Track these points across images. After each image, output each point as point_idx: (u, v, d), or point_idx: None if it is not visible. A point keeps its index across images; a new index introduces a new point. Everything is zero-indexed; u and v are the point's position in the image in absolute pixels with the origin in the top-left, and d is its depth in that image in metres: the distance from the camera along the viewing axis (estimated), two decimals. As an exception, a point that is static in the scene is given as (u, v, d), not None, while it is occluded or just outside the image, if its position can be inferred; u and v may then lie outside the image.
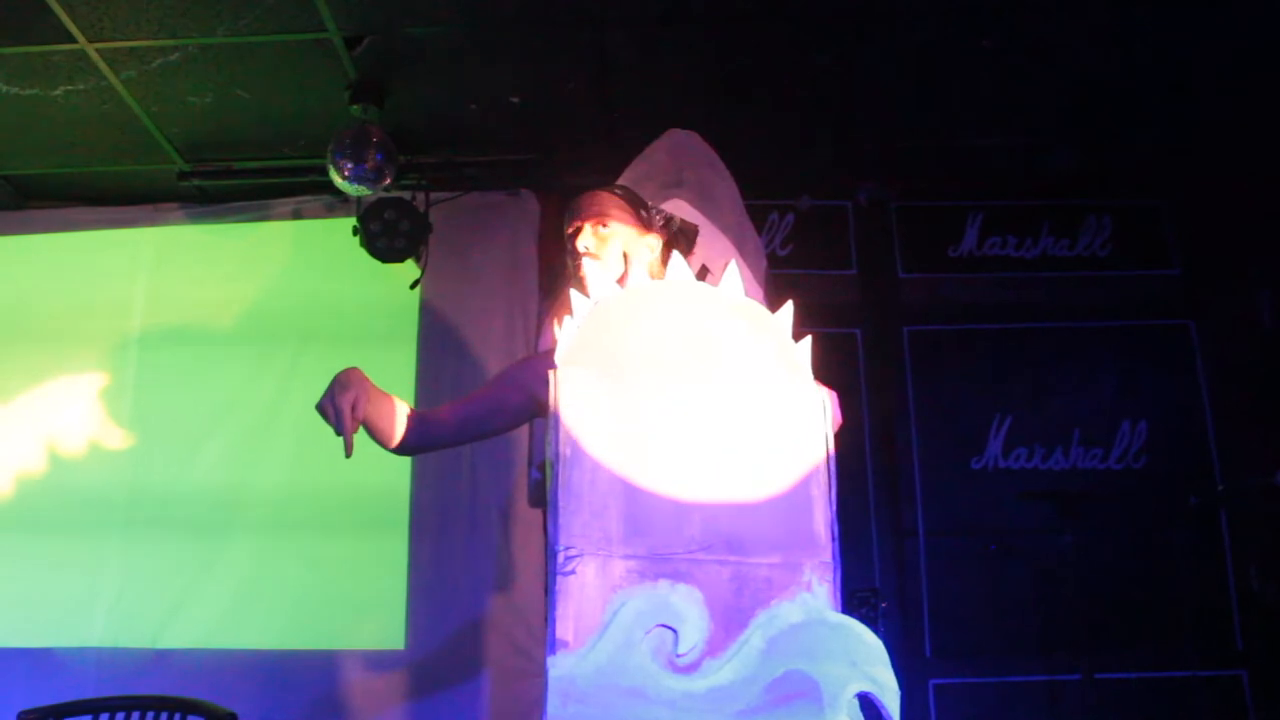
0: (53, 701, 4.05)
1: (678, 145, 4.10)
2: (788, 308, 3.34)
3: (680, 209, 3.80)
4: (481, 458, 5.20)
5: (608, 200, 3.12)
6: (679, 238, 3.25)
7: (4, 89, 4.75)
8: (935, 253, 5.59)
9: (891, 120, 5.09)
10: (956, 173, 5.50)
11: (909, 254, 5.59)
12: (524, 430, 5.10)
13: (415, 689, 4.95)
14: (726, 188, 4.09)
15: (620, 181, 4.17)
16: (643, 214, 3.13)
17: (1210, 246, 5.45)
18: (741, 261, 3.69)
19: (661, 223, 3.17)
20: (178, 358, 5.49)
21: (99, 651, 5.05)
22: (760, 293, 3.65)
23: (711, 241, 3.76)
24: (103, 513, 5.28)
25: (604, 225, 3.05)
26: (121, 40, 4.47)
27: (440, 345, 5.41)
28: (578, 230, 3.09)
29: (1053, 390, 5.35)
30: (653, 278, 3.15)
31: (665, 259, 3.14)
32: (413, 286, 5.29)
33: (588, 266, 3.03)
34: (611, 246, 3.04)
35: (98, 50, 4.51)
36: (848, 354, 5.39)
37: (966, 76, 4.73)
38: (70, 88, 4.76)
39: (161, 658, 5.02)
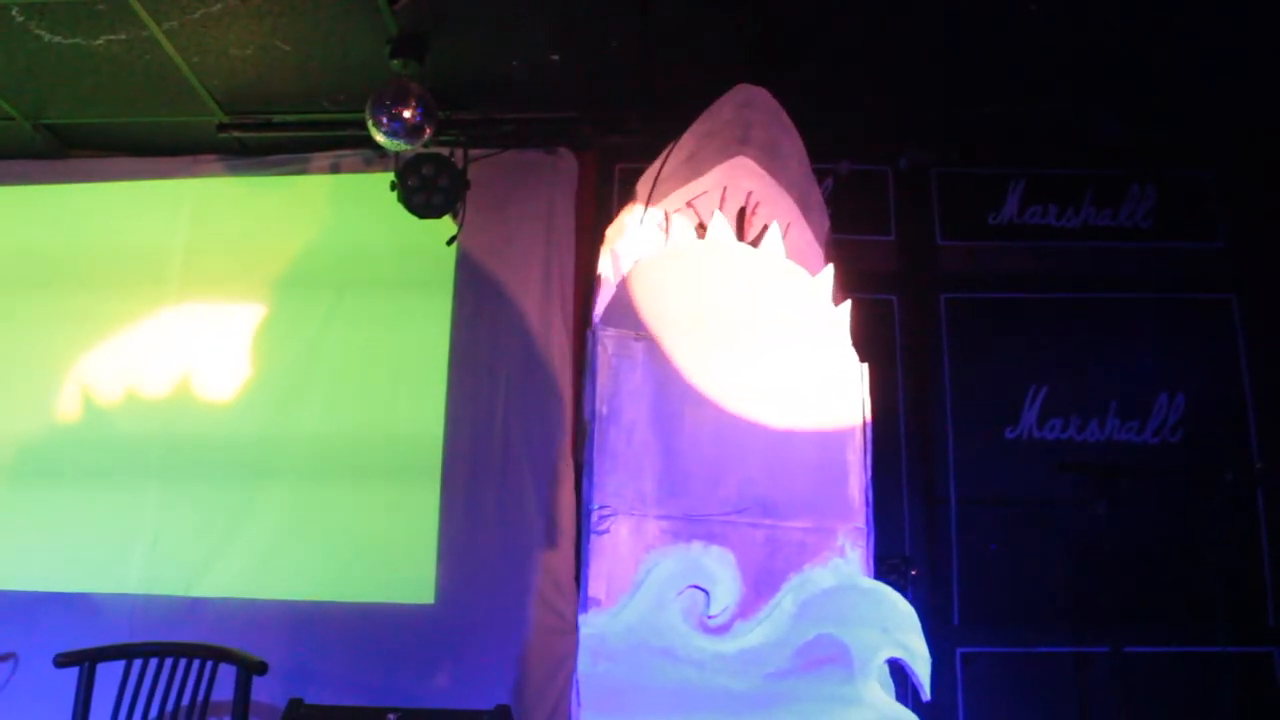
0: (88, 645, 4.12)
1: (746, 101, 4.01)
2: (828, 271, 3.32)
3: (744, 167, 3.75)
4: (513, 412, 5.22)
5: None
6: None
7: (46, 38, 4.75)
8: (975, 220, 5.54)
9: (934, 85, 5.02)
10: (998, 139, 5.43)
11: (948, 221, 5.54)
12: (564, 383, 5.11)
13: (444, 643, 4.98)
14: (794, 145, 4.02)
15: (685, 136, 4.12)
16: None
17: (1256, 220, 5.37)
18: (804, 220, 3.66)
19: None
20: (215, 308, 5.53)
21: (134, 598, 5.11)
22: (820, 252, 3.62)
23: (776, 200, 3.72)
24: (139, 460, 5.33)
25: None
26: (164, -10, 4.47)
27: (476, 301, 5.42)
28: None
29: (1090, 361, 5.29)
30: None
31: None
32: (450, 243, 5.28)
33: None
34: None
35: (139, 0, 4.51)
36: (884, 320, 5.35)
37: (1012, 42, 4.66)
38: (112, 38, 4.76)
39: (195, 606, 5.07)
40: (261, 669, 4.13)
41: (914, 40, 4.68)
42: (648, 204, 3.88)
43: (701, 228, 3.55)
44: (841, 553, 2.88)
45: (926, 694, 2.93)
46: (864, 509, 2.97)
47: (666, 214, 3.69)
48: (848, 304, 3.15)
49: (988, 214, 5.53)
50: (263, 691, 4.27)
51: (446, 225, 5.24)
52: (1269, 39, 4.54)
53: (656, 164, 4.15)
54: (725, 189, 3.72)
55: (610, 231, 4.19)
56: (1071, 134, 5.30)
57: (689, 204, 3.73)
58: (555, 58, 4.89)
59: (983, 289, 5.44)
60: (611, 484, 2.73)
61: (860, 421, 3.03)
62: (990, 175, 5.55)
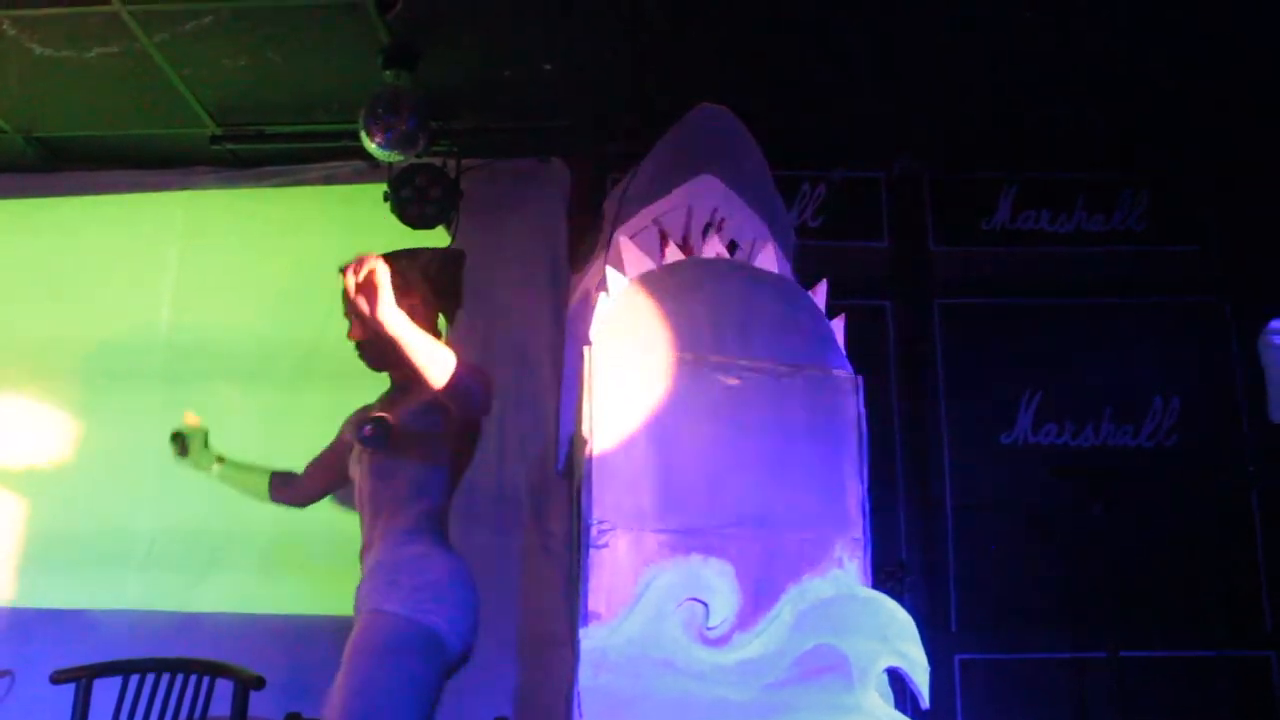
0: (86, 662, 4.11)
1: (706, 121, 4.07)
2: (822, 286, 3.34)
3: (709, 186, 3.79)
4: (509, 423, 5.20)
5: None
6: (439, 279, 3.45)
7: (38, 51, 4.74)
8: (968, 225, 5.54)
9: (927, 91, 5.03)
10: (991, 144, 5.44)
11: (941, 226, 5.54)
12: (553, 395, 5.11)
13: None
14: (756, 163, 4.07)
15: (649, 157, 4.16)
16: (395, 281, 2.79)
17: (1249, 223, 5.36)
18: (771, 237, 3.69)
19: (418, 278, 3.37)
20: (209, 320, 5.53)
21: (131, 614, 5.10)
22: (789, 267, 3.64)
23: (741, 218, 3.75)
24: (134, 475, 5.32)
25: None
26: (154, 3, 4.46)
27: (469, 312, 5.36)
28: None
29: (1084, 366, 5.29)
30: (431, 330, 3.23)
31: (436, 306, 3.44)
32: (443, 253, 5.29)
33: (366, 350, 3.38)
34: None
35: (130, 12, 4.50)
36: (877, 326, 5.36)
37: (1005, 46, 4.67)
38: (103, 50, 4.75)
39: (192, 621, 5.06)
40: (259, 684, 4.11)
41: (907, 47, 4.69)
42: (614, 225, 3.91)
43: (667, 245, 3.56)
44: (839, 563, 2.89)
45: (925, 702, 2.94)
46: (861, 519, 2.97)
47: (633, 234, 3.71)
48: (842, 318, 3.15)
49: (981, 219, 5.54)
50: (260, 706, 4.25)
51: (440, 235, 5.25)
52: (1260, 43, 4.55)
53: (621, 185, 4.19)
54: (691, 207, 3.74)
55: (584, 250, 4.21)
56: (1064, 139, 5.31)
57: (655, 222, 3.75)
58: (547, 67, 4.89)
59: (976, 294, 5.43)
60: (609, 499, 2.74)
61: (856, 432, 3.04)
62: (983, 180, 5.56)
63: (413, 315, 2.90)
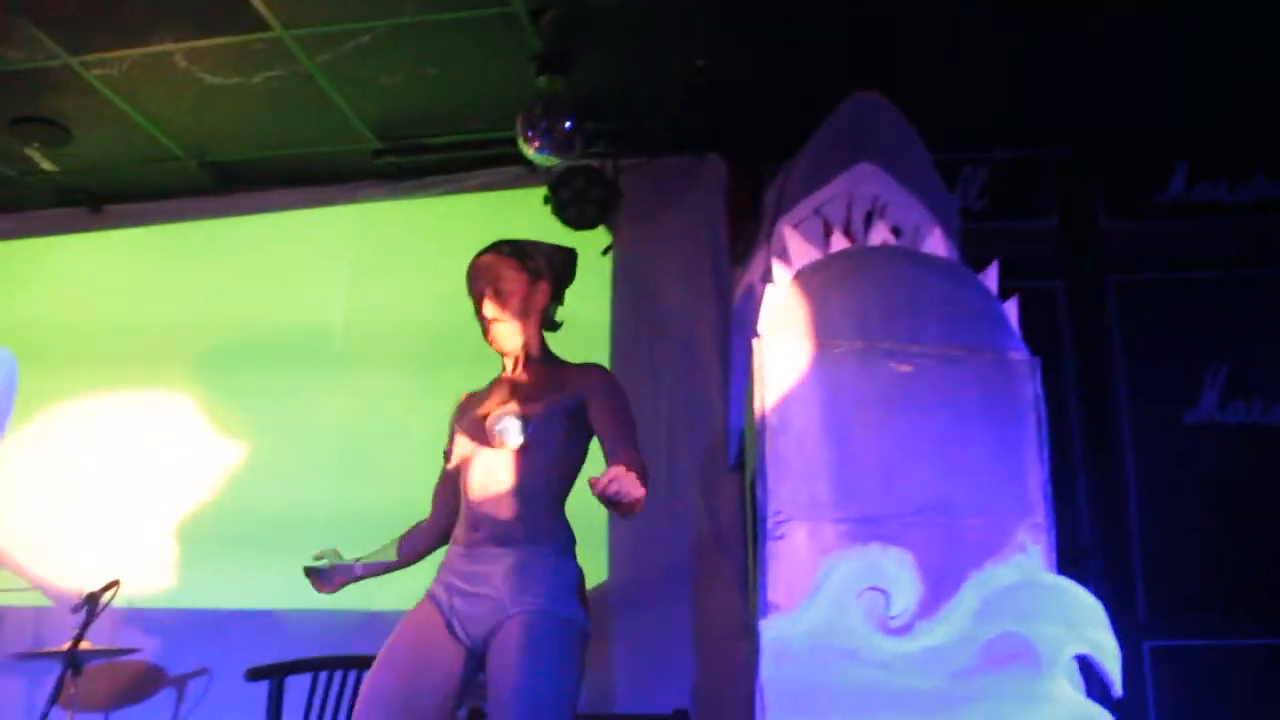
0: (277, 660, 4.28)
1: (863, 109, 4.05)
2: (993, 268, 3.27)
3: (869, 173, 3.76)
4: (679, 419, 5.21)
5: (496, 264, 3.23)
6: (562, 272, 3.33)
7: (208, 80, 4.96)
8: (1141, 199, 5.33)
9: (1092, 60, 4.86)
10: (1162, 114, 5.23)
11: (1113, 201, 5.35)
12: (721, 390, 5.09)
13: (619, 651, 5.00)
14: (915, 148, 4.03)
15: (807, 146, 4.14)
16: (529, 264, 3.23)
17: None
18: (934, 220, 3.63)
19: (545, 266, 3.28)
20: (380, 325, 5.71)
21: (318, 613, 5.24)
22: (954, 250, 3.59)
23: (903, 203, 3.71)
24: (317, 487, 5.47)
25: (499, 290, 3.20)
26: (315, 26, 4.61)
27: (634, 309, 5.43)
28: (479, 301, 3.24)
29: (1271, 340, 5.05)
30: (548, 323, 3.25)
31: (551, 295, 3.29)
32: (605, 252, 5.33)
33: (502, 330, 3.21)
34: (511, 306, 3.20)
35: (293, 36, 4.66)
36: (1049, 307, 5.20)
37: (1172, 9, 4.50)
38: (268, 74, 4.96)
39: (375, 619, 5.19)
40: (441, 678, 4.21)
41: (1065, 22, 4.55)
42: (776, 216, 3.91)
43: (831, 233, 3.54)
44: (1022, 549, 2.83)
45: (1118, 689, 2.86)
46: (1043, 504, 2.90)
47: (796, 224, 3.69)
48: (1014, 299, 3.08)
49: (1154, 192, 5.32)
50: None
51: (602, 235, 5.29)
52: None
53: (781, 177, 4.17)
54: (852, 194, 3.71)
55: (746, 243, 4.21)
56: (1237, 104, 5.08)
57: (817, 212, 3.73)
58: (700, 63, 4.88)
59: (1152, 270, 5.21)
60: (785, 490, 2.73)
61: (1035, 416, 2.97)
62: (1155, 151, 5.33)
63: (541, 298, 3.25)
